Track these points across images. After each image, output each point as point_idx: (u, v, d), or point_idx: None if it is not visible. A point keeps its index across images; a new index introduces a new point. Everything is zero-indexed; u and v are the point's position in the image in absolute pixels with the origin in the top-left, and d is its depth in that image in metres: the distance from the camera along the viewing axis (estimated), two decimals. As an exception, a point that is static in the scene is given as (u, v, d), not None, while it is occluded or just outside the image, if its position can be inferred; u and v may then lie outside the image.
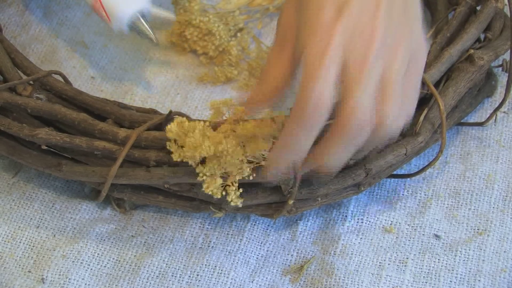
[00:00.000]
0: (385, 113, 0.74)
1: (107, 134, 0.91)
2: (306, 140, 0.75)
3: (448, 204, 0.96)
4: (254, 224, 0.95)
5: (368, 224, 0.95)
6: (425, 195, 0.96)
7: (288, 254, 0.93)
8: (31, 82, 0.96)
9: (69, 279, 0.91)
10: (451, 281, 0.90)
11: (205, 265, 0.92)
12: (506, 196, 0.96)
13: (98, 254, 0.93)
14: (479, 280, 0.90)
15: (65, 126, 0.94)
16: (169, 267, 0.92)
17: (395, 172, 0.95)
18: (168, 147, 0.87)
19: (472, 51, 0.96)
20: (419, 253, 0.92)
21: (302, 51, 0.74)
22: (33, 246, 0.94)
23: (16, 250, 0.93)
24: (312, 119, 0.73)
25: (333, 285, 0.90)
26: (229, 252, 0.93)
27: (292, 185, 0.88)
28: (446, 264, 0.91)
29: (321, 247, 0.93)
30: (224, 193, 0.86)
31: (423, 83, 0.93)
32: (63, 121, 0.94)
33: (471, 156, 0.99)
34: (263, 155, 0.87)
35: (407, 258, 0.92)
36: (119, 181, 0.91)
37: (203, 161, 0.86)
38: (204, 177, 0.85)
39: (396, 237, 0.94)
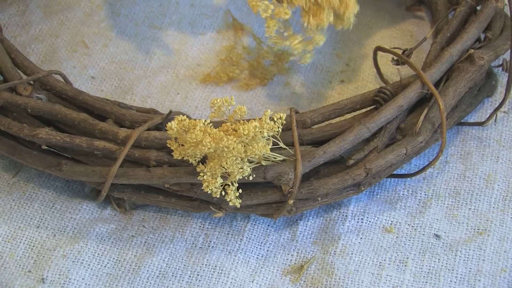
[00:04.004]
0: None
1: (107, 134, 0.91)
2: None
3: (448, 204, 0.96)
4: (254, 224, 0.95)
5: (368, 224, 0.95)
6: (425, 195, 0.96)
7: (288, 254, 0.93)
8: (31, 82, 0.96)
9: (69, 279, 0.91)
10: (451, 281, 0.90)
11: (205, 265, 0.92)
12: (506, 196, 0.96)
13: (98, 254, 0.93)
14: (479, 280, 0.90)
15: (65, 126, 0.94)
16: (169, 267, 0.92)
17: (395, 172, 0.95)
18: (168, 145, 0.87)
19: (472, 51, 0.96)
20: (419, 253, 0.92)
21: None
22: (33, 246, 0.94)
23: (16, 250, 0.93)
24: None
25: (333, 285, 0.90)
26: (229, 252, 0.93)
27: (292, 185, 0.88)
28: (446, 264, 0.91)
29: (321, 247, 0.93)
30: (223, 193, 0.86)
31: (423, 83, 0.93)
32: (63, 121, 0.94)
33: (471, 156, 0.99)
34: (264, 154, 0.87)
35: (407, 258, 0.92)
36: (119, 181, 0.91)
37: (203, 161, 0.86)
38: (205, 176, 0.85)
39: (396, 237, 0.94)
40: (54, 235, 0.94)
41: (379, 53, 1.04)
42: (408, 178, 0.97)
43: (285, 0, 0.95)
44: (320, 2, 0.95)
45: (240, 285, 0.91)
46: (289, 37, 0.98)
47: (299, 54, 0.99)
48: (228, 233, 0.95)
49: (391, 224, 0.95)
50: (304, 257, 0.93)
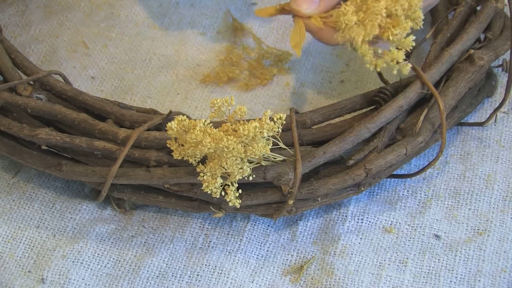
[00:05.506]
0: None
1: (107, 134, 0.91)
2: None
3: (448, 204, 0.96)
4: (254, 224, 0.95)
5: (368, 224, 0.95)
6: (425, 195, 0.96)
7: (288, 254, 0.93)
8: (31, 82, 0.96)
9: (69, 279, 0.91)
10: (451, 281, 0.90)
11: (205, 265, 0.92)
12: (506, 196, 0.96)
13: (98, 254, 0.93)
14: (479, 280, 0.90)
15: (65, 126, 0.94)
16: (169, 267, 0.92)
17: (395, 172, 0.95)
18: (168, 146, 0.87)
19: (472, 51, 0.96)
20: (419, 253, 0.92)
21: None
22: (33, 246, 0.94)
23: (16, 250, 0.93)
24: None
25: (333, 285, 0.90)
26: (229, 252, 0.93)
27: (292, 185, 0.88)
28: (446, 264, 0.91)
29: (321, 247, 0.93)
30: (223, 193, 0.86)
31: (423, 83, 0.93)
32: (63, 121, 0.94)
33: (471, 156, 0.99)
34: (263, 155, 0.87)
35: (407, 258, 0.92)
36: (119, 181, 0.91)
37: (203, 161, 0.86)
38: (204, 176, 0.85)
39: (396, 237, 0.94)
40: (54, 235, 0.94)
41: (379, 53, 1.04)
42: (408, 179, 0.97)
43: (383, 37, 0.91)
44: (392, 11, 0.90)
45: (240, 285, 0.91)
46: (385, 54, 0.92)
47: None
48: (228, 234, 0.95)
49: (391, 224, 0.95)
50: (304, 257, 0.93)
